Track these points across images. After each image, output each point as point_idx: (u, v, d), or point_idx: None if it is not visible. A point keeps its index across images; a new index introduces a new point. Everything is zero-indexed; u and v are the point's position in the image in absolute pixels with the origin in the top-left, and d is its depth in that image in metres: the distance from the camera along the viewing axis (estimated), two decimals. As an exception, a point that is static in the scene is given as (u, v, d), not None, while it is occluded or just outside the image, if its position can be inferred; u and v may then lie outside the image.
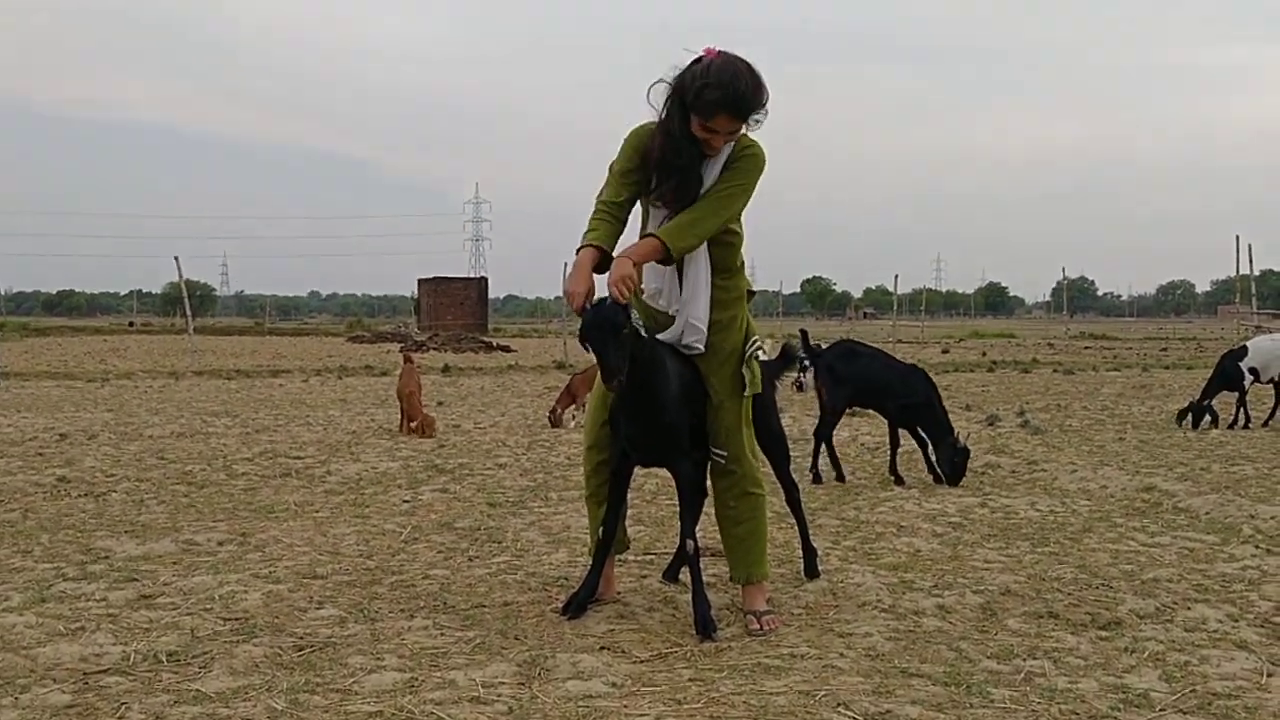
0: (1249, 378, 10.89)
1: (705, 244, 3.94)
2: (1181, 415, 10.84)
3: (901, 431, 7.64)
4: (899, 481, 7.39)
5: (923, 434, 7.59)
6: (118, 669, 3.47)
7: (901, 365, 7.84)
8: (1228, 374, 10.98)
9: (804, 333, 8.39)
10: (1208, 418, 10.74)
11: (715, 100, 3.69)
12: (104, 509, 6.26)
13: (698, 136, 3.80)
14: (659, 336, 4.01)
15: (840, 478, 7.43)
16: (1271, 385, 11.25)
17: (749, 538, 4.13)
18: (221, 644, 3.72)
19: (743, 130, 3.84)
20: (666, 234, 3.78)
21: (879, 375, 7.63)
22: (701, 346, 4.00)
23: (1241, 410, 10.97)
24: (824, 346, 8.12)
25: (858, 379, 7.60)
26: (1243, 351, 11.12)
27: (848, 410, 8.11)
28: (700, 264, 3.97)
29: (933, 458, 7.52)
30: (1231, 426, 10.81)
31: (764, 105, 3.78)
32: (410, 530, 5.68)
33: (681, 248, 3.81)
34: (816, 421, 7.87)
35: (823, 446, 7.59)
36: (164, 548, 5.21)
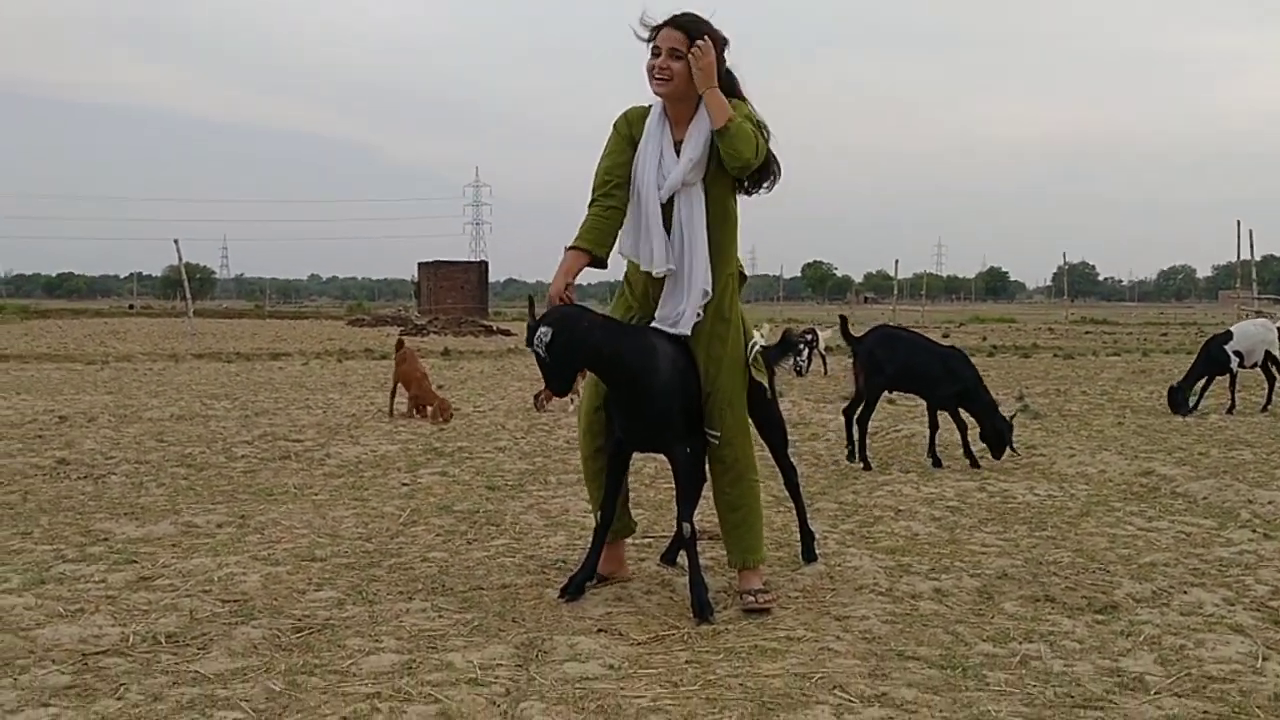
0: (1235, 360, 10.92)
1: (703, 207, 3.98)
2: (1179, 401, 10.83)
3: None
4: (937, 464, 7.44)
5: (964, 418, 7.57)
6: (116, 650, 3.48)
7: (942, 349, 7.86)
8: (1213, 358, 11.03)
9: (843, 319, 8.35)
10: (1193, 399, 10.80)
11: (665, 19, 3.94)
12: (103, 491, 6.27)
13: (649, 81, 3.96)
14: (658, 317, 4.04)
15: (866, 465, 7.38)
16: (1260, 370, 11.27)
17: (743, 524, 4.14)
18: (220, 626, 3.73)
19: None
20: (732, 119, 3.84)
21: (921, 361, 7.61)
22: (699, 311, 3.99)
23: (1233, 394, 11.01)
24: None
25: (898, 365, 7.55)
26: (1227, 336, 11.16)
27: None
28: (697, 226, 3.98)
29: (969, 443, 7.53)
30: (1231, 411, 10.83)
31: (712, 32, 3.93)
32: (409, 513, 5.69)
33: (737, 135, 3.81)
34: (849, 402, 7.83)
35: (854, 429, 7.55)
36: (163, 530, 5.22)
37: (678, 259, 4.00)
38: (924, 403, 7.86)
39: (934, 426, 7.67)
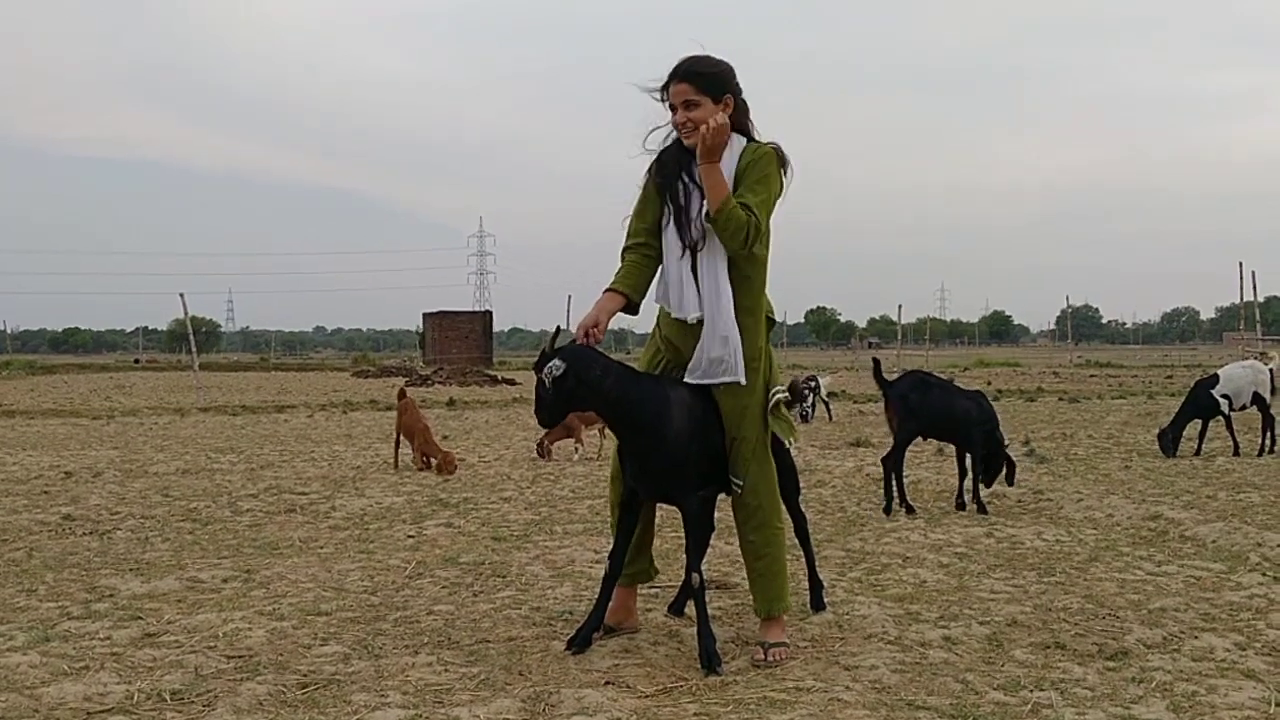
0: (1223, 403, 10.91)
1: (726, 257, 3.96)
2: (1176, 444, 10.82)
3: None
4: (961, 507, 7.48)
5: (978, 461, 7.58)
6: (121, 708, 3.47)
7: (970, 392, 7.96)
8: (1200, 403, 11.03)
9: (876, 361, 8.35)
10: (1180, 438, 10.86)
11: (667, 76, 4.01)
12: (109, 547, 6.26)
13: (681, 136, 4.03)
14: (690, 368, 4.03)
15: (908, 509, 7.38)
16: (1257, 411, 11.21)
17: (768, 572, 4.13)
18: (225, 682, 3.71)
19: (699, 101, 3.97)
20: (734, 196, 3.87)
21: (954, 405, 7.64)
22: (729, 358, 3.96)
23: (1233, 436, 10.99)
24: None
25: (930, 410, 7.56)
26: (1214, 380, 11.17)
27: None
28: (720, 273, 3.97)
29: (980, 487, 7.53)
30: (1237, 453, 10.79)
31: (713, 67, 4.02)
32: (415, 565, 5.67)
33: (724, 215, 3.84)
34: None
35: (894, 475, 7.52)
36: (168, 585, 5.21)
37: (707, 306, 3.99)
38: (928, 448, 7.84)
39: (964, 474, 7.66)
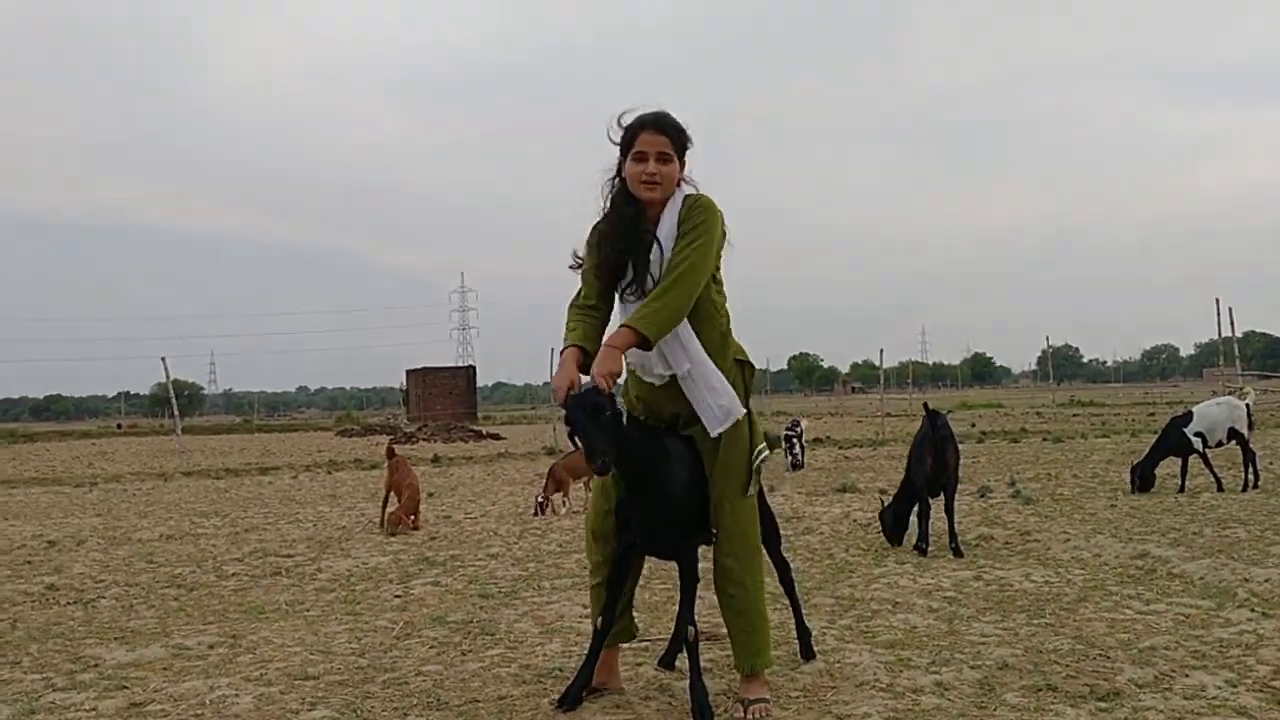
0: (1197, 441, 10.97)
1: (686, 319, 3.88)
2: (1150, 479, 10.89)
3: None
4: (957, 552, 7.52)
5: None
6: (108, 780, 3.42)
7: None
8: (1173, 439, 11.10)
9: (926, 405, 8.35)
10: (1147, 477, 10.93)
11: (634, 123, 3.91)
12: (93, 616, 6.20)
13: (634, 185, 3.90)
14: (713, 432, 3.95)
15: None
16: (1237, 446, 11.23)
17: (749, 627, 4.05)
18: (213, 750, 3.67)
19: (673, 157, 3.90)
20: (638, 321, 3.73)
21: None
22: (730, 401, 3.89)
23: (1212, 472, 11.03)
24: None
25: (957, 455, 7.84)
26: (1188, 417, 11.21)
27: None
28: (684, 326, 3.87)
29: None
30: (1220, 489, 10.81)
31: (681, 125, 3.94)
32: (402, 626, 5.64)
33: (657, 331, 3.74)
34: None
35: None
36: (154, 653, 5.16)
37: (689, 361, 3.89)
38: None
39: (951, 514, 7.73)
